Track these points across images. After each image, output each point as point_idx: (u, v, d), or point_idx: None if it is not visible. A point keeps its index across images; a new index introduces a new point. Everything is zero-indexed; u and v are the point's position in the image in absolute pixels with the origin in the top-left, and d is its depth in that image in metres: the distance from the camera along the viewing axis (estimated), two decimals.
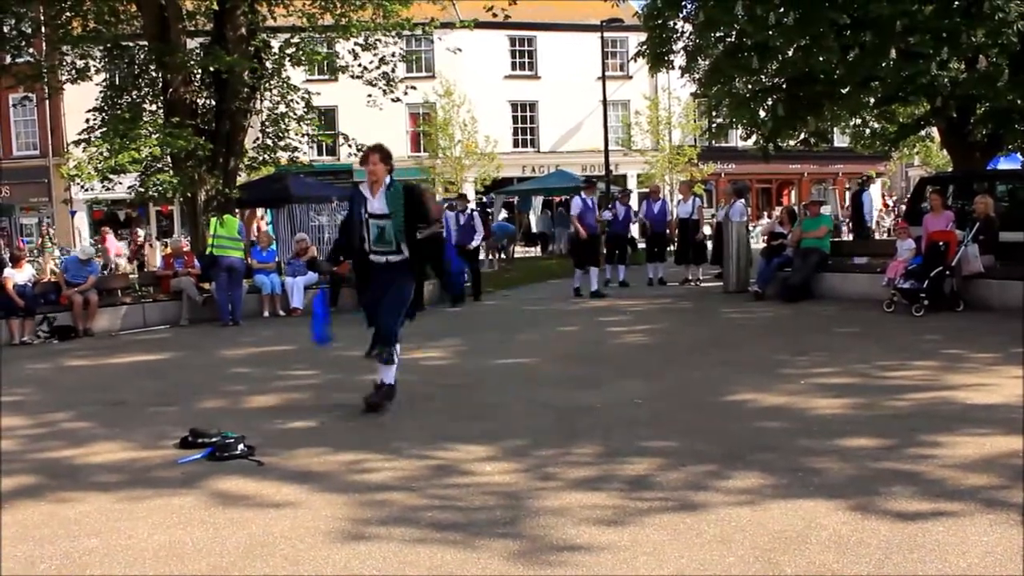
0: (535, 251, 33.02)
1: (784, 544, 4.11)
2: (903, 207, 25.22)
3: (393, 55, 19.92)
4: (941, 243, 11.80)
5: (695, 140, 40.93)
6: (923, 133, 23.19)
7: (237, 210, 19.57)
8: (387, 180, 7.23)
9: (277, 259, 16.89)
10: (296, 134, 20.44)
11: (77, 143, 18.47)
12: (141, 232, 29.57)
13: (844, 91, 16.75)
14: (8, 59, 18.91)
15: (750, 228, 17.32)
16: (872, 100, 17.82)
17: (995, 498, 4.57)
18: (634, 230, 20.16)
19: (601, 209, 18.01)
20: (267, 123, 19.93)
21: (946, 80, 14.54)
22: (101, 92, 18.92)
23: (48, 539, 4.64)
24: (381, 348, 7.19)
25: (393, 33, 19.43)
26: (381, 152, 7.28)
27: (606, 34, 29.26)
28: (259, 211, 24.47)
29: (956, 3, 14.58)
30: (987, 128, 16.98)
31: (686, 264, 17.89)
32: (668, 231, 18.83)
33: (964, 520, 4.30)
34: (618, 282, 17.55)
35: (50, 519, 4.98)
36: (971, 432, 5.82)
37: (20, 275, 14.00)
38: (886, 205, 39.54)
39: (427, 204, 7.44)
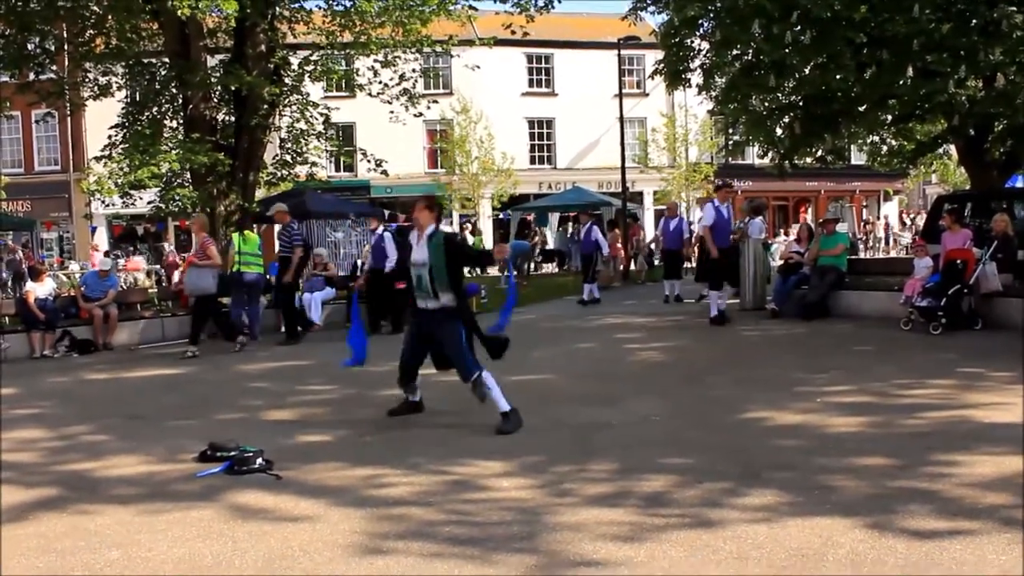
0: (550, 268, 32.97)
1: (801, 561, 4.12)
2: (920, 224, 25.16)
3: (414, 71, 20.04)
4: (959, 261, 11.77)
5: (712, 157, 40.98)
6: (940, 151, 23.14)
7: (255, 225, 19.69)
8: (430, 229, 7.36)
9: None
10: (315, 150, 20.56)
11: (98, 159, 18.64)
12: (168, 248, 29.66)
13: (861, 109, 16.74)
14: (31, 76, 19.11)
15: (768, 244, 17.25)
16: (889, 118, 17.80)
17: (1013, 517, 4.56)
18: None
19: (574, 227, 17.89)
20: (287, 139, 20.06)
21: (964, 98, 14.52)
22: (122, 108, 19.11)
23: (69, 551, 4.70)
24: (473, 390, 7.27)
25: (413, 50, 19.53)
26: (426, 201, 7.58)
27: (623, 52, 29.29)
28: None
29: (974, 21, 14.56)
30: (1005, 146, 16.94)
31: (704, 282, 17.79)
32: (684, 249, 18.85)
33: (982, 538, 4.29)
34: (592, 300, 17.89)
35: (72, 531, 5.03)
36: (989, 451, 5.80)
37: (41, 289, 14.14)
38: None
39: (468, 251, 7.56)
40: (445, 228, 8.21)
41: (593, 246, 18.57)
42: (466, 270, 8.52)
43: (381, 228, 15.08)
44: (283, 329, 14.41)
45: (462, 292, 7.45)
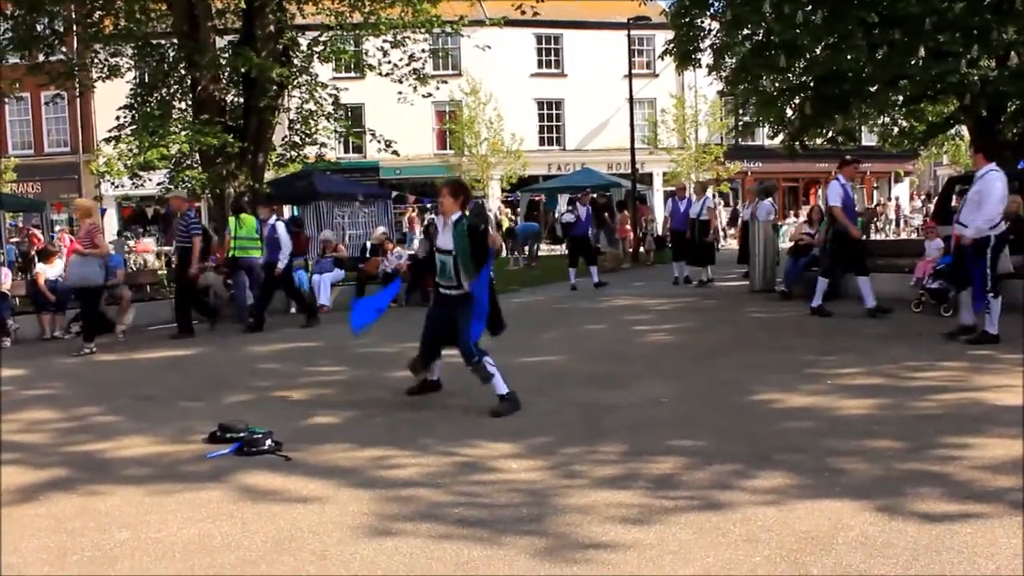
0: (560, 249, 32.94)
1: (811, 544, 4.11)
2: (931, 206, 25.04)
3: (423, 51, 19.95)
4: None
5: (721, 138, 40.83)
6: (952, 132, 22.97)
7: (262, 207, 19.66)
8: (455, 216, 7.24)
9: (305, 257, 16.97)
10: (324, 131, 20.52)
11: (108, 140, 18.64)
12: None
13: (872, 89, 16.62)
14: (41, 57, 19.08)
15: (778, 226, 17.21)
16: (901, 99, 17.68)
17: None
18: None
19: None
20: (296, 120, 20.02)
21: (976, 78, 14.39)
22: (131, 90, 19.09)
23: (79, 531, 4.72)
24: (475, 372, 7.27)
25: (422, 31, 19.44)
26: (451, 187, 7.40)
27: (633, 32, 29.12)
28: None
29: (986, 0, 14.43)
30: (1018, 126, 16.81)
31: (699, 264, 17.77)
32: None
33: (993, 522, 4.28)
34: (572, 284, 17.67)
35: (82, 512, 5.05)
36: (999, 434, 5.78)
37: (51, 270, 14.15)
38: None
39: (487, 244, 7.29)
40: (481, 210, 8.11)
41: (587, 228, 18.38)
42: None
43: (273, 218, 13.93)
44: (177, 324, 13.30)
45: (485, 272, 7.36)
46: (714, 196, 39.69)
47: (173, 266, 14.07)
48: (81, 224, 12.43)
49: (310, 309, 14.03)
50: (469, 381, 7.72)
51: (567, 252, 18.80)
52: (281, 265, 13.39)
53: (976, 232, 9.29)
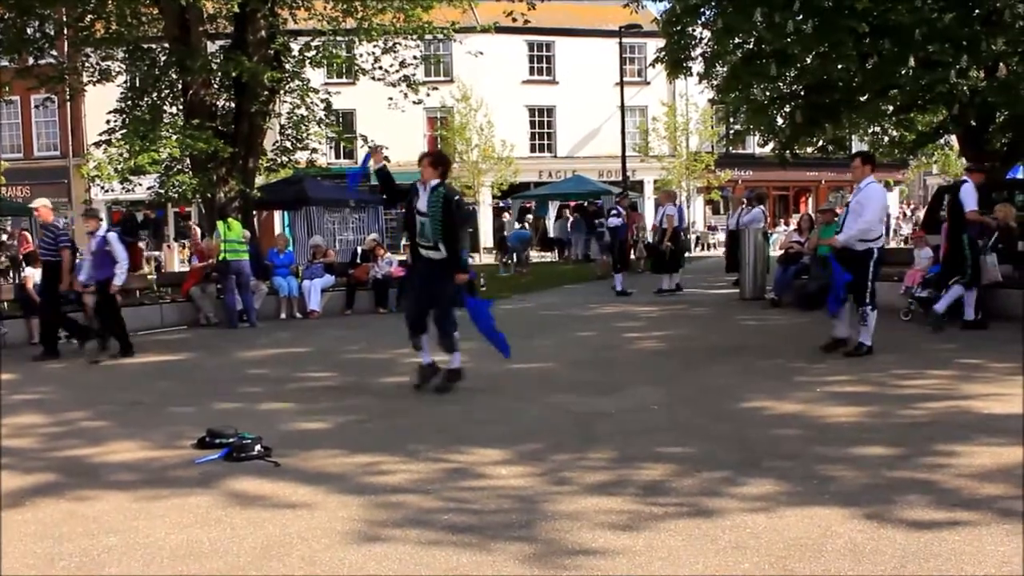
0: (551, 256, 32.94)
1: (799, 551, 4.11)
2: (920, 215, 25.13)
3: (415, 57, 19.97)
4: None
5: (712, 146, 40.92)
6: (942, 141, 23.09)
7: (254, 213, 19.65)
8: (434, 182, 7.93)
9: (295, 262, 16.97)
10: (316, 137, 20.51)
11: (98, 144, 18.59)
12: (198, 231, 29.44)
13: (862, 99, 16.70)
14: (31, 61, 19.02)
15: (768, 234, 17.24)
16: (891, 108, 17.77)
17: (1012, 508, 4.54)
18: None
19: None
20: (287, 125, 20.01)
21: (965, 88, 14.48)
22: (122, 94, 19.05)
23: (67, 537, 4.69)
24: (441, 343, 8.00)
25: (414, 37, 19.45)
26: (431, 156, 8.18)
27: (624, 40, 29.27)
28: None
29: (976, 11, 14.52)
30: (1006, 136, 16.90)
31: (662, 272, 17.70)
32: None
33: (980, 529, 4.28)
34: (621, 288, 17.72)
35: (69, 517, 5.02)
36: (988, 442, 5.79)
37: (40, 274, 14.04)
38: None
39: (457, 215, 7.93)
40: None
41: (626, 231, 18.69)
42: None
43: (104, 228, 11.89)
44: (39, 342, 12.37)
45: (459, 248, 7.91)
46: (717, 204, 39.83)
47: (27, 282, 13.46)
48: None
49: (103, 338, 11.89)
50: (458, 387, 7.73)
51: (614, 256, 18.63)
52: (119, 281, 11.67)
53: (846, 239, 9.28)
